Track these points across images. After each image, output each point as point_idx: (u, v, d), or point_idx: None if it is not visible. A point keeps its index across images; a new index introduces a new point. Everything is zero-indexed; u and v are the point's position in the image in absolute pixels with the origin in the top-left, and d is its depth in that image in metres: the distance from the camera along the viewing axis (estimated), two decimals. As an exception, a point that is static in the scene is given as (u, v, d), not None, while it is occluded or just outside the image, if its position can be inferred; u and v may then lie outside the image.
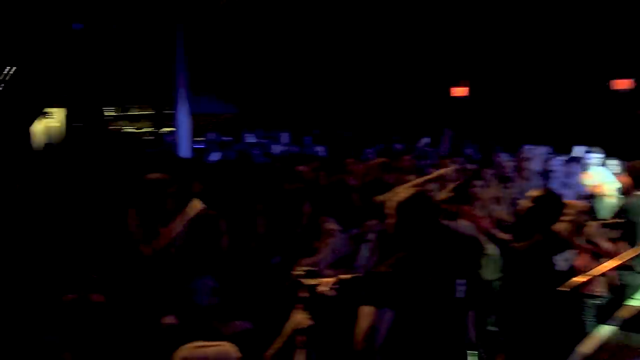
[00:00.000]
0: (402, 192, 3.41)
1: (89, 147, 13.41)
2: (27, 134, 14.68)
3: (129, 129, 17.86)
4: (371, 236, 4.49)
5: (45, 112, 15.59)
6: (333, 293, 2.84)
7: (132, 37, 14.10)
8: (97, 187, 6.39)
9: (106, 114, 17.69)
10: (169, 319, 3.76)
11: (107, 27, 13.81)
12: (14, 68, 13.33)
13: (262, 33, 13.99)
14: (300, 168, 6.52)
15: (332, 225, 4.63)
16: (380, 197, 4.42)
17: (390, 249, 4.32)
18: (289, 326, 2.91)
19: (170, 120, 17.04)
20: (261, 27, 13.68)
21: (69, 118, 16.16)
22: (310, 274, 2.94)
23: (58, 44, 13.28)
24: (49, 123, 15.92)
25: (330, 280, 2.89)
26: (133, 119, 18.31)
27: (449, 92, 15.03)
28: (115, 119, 18.16)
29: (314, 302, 2.88)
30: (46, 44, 13.12)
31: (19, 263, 4.05)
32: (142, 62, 14.80)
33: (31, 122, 14.87)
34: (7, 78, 13.35)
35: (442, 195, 5.18)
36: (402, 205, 3.29)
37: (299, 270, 3.01)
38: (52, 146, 14.27)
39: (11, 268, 3.95)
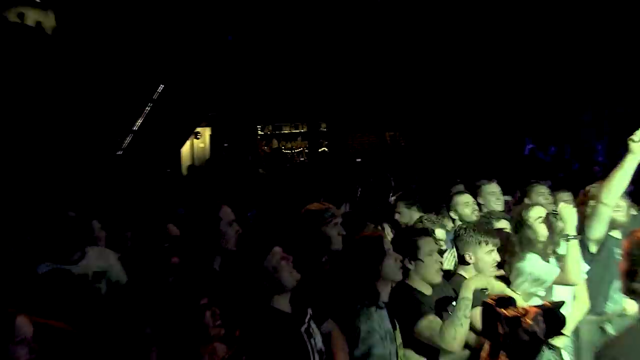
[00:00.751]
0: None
1: (237, 170, 13.85)
2: (177, 157, 15.45)
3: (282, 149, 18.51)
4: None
5: (197, 133, 16.23)
6: (542, 328, 2.48)
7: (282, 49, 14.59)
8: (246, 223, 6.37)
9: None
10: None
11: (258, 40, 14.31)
12: (162, 86, 13.67)
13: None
14: None
15: None
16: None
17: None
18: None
19: (327, 139, 17.64)
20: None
21: (214, 138, 16.71)
22: (504, 302, 2.60)
23: (207, 58, 13.86)
24: (195, 144, 16.56)
25: (535, 309, 2.56)
26: (285, 138, 18.86)
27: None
28: (265, 137, 18.81)
29: (514, 339, 2.50)
30: (195, 59, 13.67)
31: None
32: (295, 77, 15.24)
33: (182, 144, 15.56)
34: (156, 97, 13.62)
35: None
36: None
37: (490, 299, 2.70)
38: (195, 169, 14.87)
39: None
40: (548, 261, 4.47)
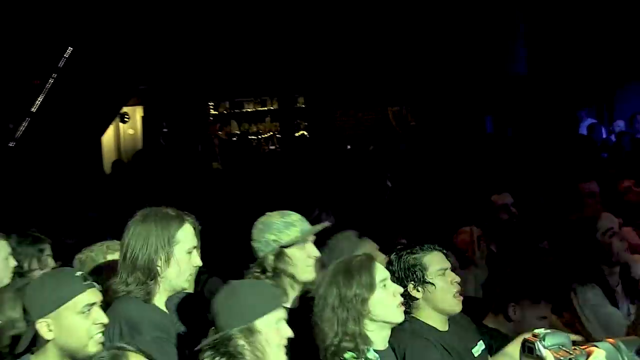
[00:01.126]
0: None
1: (181, 164, 13.80)
2: (97, 148, 15.56)
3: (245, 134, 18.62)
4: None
5: (123, 114, 16.40)
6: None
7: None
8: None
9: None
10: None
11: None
12: (71, 49, 13.66)
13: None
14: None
15: None
16: None
17: None
18: None
19: (306, 119, 17.58)
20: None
21: (148, 121, 16.76)
22: (551, 339, 2.54)
23: (134, 8, 13.76)
24: (121, 130, 16.86)
25: (598, 350, 2.51)
26: (249, 119, 19.07)
27: None
28: (220, 118, 19.05)
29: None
30: (117, 9, 13.62)
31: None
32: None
33: (103, 130, 15.61)
34: (62, 64, 13.65)
35: None
36: None
37: (533, 334, 2.60)
38: (123, 165, 14.67)
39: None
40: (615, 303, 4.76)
